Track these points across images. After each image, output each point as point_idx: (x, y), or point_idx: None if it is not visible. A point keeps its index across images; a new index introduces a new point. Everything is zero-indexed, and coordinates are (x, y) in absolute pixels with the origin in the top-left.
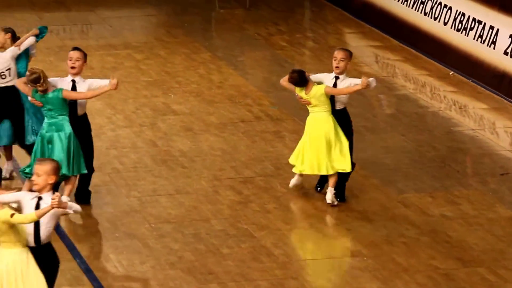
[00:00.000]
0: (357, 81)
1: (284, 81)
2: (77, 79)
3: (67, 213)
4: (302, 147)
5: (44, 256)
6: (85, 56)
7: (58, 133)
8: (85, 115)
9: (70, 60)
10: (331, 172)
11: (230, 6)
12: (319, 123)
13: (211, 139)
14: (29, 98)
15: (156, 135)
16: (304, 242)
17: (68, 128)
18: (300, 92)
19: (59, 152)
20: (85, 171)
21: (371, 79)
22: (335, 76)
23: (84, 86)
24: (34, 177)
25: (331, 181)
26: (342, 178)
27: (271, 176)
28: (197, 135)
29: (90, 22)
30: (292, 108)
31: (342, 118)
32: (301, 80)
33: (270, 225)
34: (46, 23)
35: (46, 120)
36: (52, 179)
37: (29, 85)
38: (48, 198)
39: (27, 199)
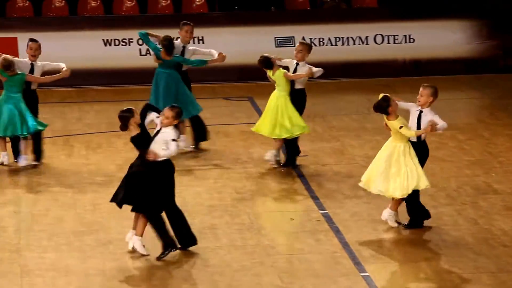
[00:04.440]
0: (314, 69)
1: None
2: (34, 63)
3: None
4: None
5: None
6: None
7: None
8: (35, 90)
9: (31, 49)
10: (284, 135)
11: None
12: (274, 98)
13: None
14: None
15: (477, 214)
16: None
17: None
18: (269, 73)
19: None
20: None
21: (315, 69)
22: (296, 63)
23: (39, 68)
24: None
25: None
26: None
27: None
28: None
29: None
30: None
31: (297, 96)
32: (265, 64)
33: None
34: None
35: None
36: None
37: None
38: None
39: None
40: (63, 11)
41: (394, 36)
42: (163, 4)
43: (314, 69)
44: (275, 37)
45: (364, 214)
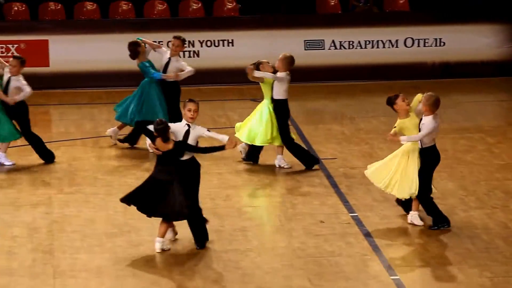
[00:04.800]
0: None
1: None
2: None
3: None
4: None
5: None
6: (21, 62)
7: None
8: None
9: (10, 65)
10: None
11: None
12: (259, 105)
13: None
14: None
15: (508, 217)
16: None
17: None
18: None
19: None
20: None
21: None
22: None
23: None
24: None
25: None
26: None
27: None
28: None
29: (444, 106)
30: None
31: (276, 107)
32: (256, 66)
33: None
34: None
35: None
36: None
37: None
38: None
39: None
40: (94, 14)
41: (424, 39)
42: (194, 7)
43: (259, 73)
44: (305, 40)
45: (394, 217)
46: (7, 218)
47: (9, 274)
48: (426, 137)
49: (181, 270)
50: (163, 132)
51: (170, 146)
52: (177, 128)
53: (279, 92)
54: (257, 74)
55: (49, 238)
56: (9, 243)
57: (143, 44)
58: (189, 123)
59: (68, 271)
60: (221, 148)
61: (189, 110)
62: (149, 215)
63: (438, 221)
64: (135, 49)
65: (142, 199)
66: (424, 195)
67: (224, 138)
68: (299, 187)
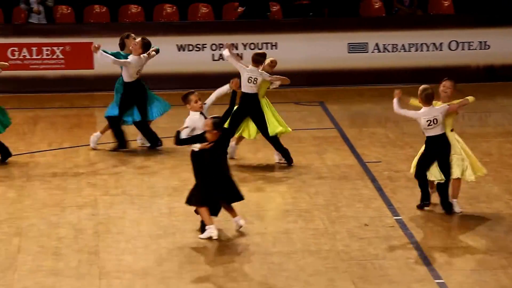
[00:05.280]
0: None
1: None
2: None
3: None
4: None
5: None
6: None
7: None
8: None
9: None
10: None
11: None
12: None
13: None
14: None
15: None
16: None
17: None
18: None
19: None
20: None
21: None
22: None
23: None
24: None
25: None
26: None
27: None
28: None
29: (489, 110)
30: None
31: (241, 100)
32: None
33: None
34: None
35: None
36: None
37: None
38: None
39: None
40: (139, 16)
41: (469, 42)
42: (238, 10)
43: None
44: (348, 43)
45: (438, 220)
46: (53, 219)
47: (55, 274)
48: (425, 129)
49: (225, 271)
50: (222, 124)
51: (219, 131)
52: (196, 122)
53: (245, 85)
54: (226, 53)
55: (95, 239)
56: (56, 243)
57: (133, 38)
58: (201, 111)
59: (114, 272)
60: (234, 95)
61: (196, 102)
62: (225, 200)
63: (423, 198)
64: (122, 41)
65: (213, 193)
66: (419, 177)
67: (224, 87)
68: (343, 190)
